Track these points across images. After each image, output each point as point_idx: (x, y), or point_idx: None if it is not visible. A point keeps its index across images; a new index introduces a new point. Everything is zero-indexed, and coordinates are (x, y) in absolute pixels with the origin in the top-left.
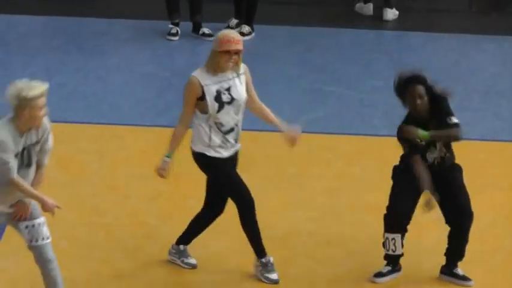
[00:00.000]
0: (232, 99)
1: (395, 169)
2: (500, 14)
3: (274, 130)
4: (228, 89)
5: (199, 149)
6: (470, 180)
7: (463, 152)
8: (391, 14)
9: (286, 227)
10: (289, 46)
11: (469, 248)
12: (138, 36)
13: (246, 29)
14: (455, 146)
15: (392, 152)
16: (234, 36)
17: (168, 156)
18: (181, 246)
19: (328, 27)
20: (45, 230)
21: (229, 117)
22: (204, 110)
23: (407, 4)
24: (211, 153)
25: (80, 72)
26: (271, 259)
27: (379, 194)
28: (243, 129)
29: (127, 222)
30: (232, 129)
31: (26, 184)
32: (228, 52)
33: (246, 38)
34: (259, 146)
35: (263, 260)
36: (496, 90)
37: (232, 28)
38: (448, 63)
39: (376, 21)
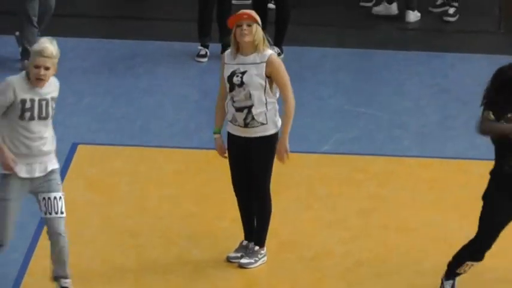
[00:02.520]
0: (242, 83)
1: (487, 190)
2: None
3: (306, 151)
4: (243, 73)
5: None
6: None
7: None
8: (413, 15)
9: (318, 248)
10: (320, 67)
11: None
12: (169, 57)
13: (275, 49)
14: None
15: (423, 172)
16: (244, 11)
17: (214, 133)
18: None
19: (359, 48)
20: (61, 205)
21: (240, 97)
22: None
23: (437, 25)
24: (228, 126)
25: (111, 94)
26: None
27: (411, 214)
28: None
29: (159, 243)
30: (242, 109)
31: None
32: (239, 26)
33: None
34: (291, 167)
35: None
36: None
37: None
38: (478, 84)
39: (406, 41)
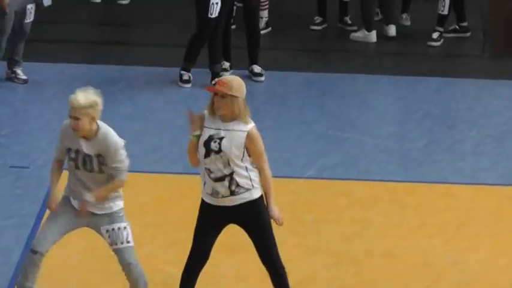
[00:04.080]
0: (220, 150)
1: None
2: None
3: (290, 176)
4: (221, 139)
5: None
6: (486, 225)
7: (477, 197)
8: (393, 28)
9: (303, 273)
10: (305, 91)
11: None
12: (152, 83)
13: (258, 69)
14: (467, 191)
15: (408, 197)
16: (222, 79)
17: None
18: None
19: (344, 72)
20: (125, 234)
21: (217, 166)
22: None
23: (422, 50)
24: (203, 196)
25: None
26: None
27: (395, 239)
28: None
29: (143, 270)
30: (222, 179)
31: (52, 174)
32: (215, 94)
33: (262, 78)
34: (276, 191)
35: None
36: (510, 135)
37: (227, 70)
38: (462, 108)
39: (391, 65)
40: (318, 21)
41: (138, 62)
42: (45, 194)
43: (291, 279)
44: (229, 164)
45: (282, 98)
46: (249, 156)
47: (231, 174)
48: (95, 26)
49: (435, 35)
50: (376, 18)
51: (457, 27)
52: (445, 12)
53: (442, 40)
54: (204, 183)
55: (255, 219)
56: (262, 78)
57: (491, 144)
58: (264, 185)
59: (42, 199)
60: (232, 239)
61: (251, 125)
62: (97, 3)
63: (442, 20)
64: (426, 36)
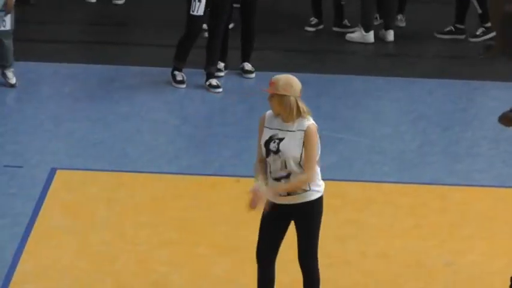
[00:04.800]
0: (278, 150)
1: None
2: (509, 60)
3: None
4: (281, 139)
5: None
6: (480, 227)
7: (472, 199)
8: (392, 34)
9: (296, 274)
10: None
11: None
12: (148, 83)
13: (249, 66)
14: (462, 192)
15: (402, 198)
16: (272, 78)
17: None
18: None
19: (339, 73)
20: None
21: (276, 166)
22: None
23: (417, 51)
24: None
25: (89, 119)
26: None
27: (389, 241)
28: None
29: (136, 269)
30: (279, 179)
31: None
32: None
33: (252, 75)
34: None
35: None
36: (505, 137)
37: (221, 71)
38: (457, 110)
39: (386, 66)
40: (313, 22)
41: (133, 62)
42: (39, 193)
43: (284, 280)
44: (286, 166)
45: None
46: None
47: (288, 175)
48: (90, 26)
49: (479, 31)
50: (375, 23)
51: (453, 28)
52: (479, 11)
53: (484, 36)
54: (267, 177)
55: (305, 220)
56: (253, 75)
57: (486, 146)
58: (295, 180)
59: (35, 198)
60: (224, 240)
61: (309, 122)
62: (92, 3)
63: (482, 17)
64: (421, 38)
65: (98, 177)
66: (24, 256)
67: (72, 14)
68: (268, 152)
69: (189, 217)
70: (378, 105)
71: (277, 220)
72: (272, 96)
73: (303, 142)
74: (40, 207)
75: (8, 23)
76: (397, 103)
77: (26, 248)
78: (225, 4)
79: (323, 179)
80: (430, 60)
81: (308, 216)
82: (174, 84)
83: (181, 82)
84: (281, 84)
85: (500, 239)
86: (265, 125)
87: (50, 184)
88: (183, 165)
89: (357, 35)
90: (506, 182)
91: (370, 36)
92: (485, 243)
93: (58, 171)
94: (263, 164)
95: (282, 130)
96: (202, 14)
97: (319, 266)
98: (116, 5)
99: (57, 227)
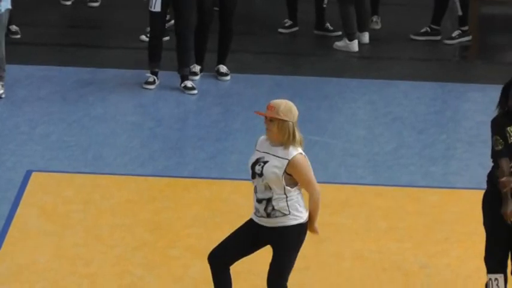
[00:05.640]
0: (261, 174)
1: (485, 196)
2: (485, 63)
3: None
4: (265, 163)
5: None
6: (455, 230)
7: (447, 201)
8: (367, 36)
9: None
10: (274, 94)
11: None
12: (122, 85)
13: (224, 68)
14: (437, 195)
15: (377, 201)
16: (271, 102)
17: None
18: None
19: (313, 76)
20: None
21: (260, 188)
22: None
23: (392, 53)
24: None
25: (64, 122)
26: None
27: (364, 243)
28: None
29: (111, 271)
30: (261, 201)
31: None
32: (266, 118)
33: (227, 77)
34: (243, 195)
35: None
36: (480, 140)
37: (197, 74)
38: (432, 112)
39: (361, 69)
40: (287, 24)
41: (108, 64)
42: (15, 195)
43: (259, 283)
44: (270, 188)
45: (251, 101)
46: (290, 185)
47: (270, 198)
48: (66, 28)
49: (455, 33)
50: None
51: (429, 29)
52: (460, 13)
53: (460, 39)
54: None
55: (280, 244)
56: (228, 78)
57: (461, 148)
58: (310, 206)
59: (11, 201)
60: (199, 242)
61: (296, 152)
62: (67, 5)
63: (461, 20)
64: (396, 40)
65: (73, 180)
66: None
67: (47, 16)
68: (254, 174)
69: (164, 219)
70: (353, 107)
71: (254, 237)
72: (271, 120)
73: (287, 171)
74: (16, 210)
75: None
76: (371, 105)
77: (1, 249)
78: (187, 5)
79: None
80: (405, 62)
81: (283, 243)
82: (144, 85)
83: (150, 83)
84: (282, 109)
85: (475, 242)
86: (257, 147)
87: (25, 186)
88: (158, 167)
89: (342, 43)
90: (481, 185)
91: (354, 45)
92: (460, 246)
93: (34, 174)
94: None
95: (268, 154)
96: (159, 10)
97: (294, 269)
98: (91, 7)
99: (33, 229)
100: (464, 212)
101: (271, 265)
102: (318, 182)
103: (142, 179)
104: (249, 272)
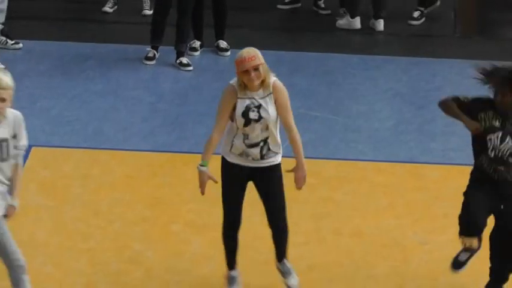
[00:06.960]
0: (260, 117)
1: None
2: (485, 39)
3: None
4: (258, 107)
5: (222, 152)
6: (454, 206)
7: (447, 177)
8: (382, 23)
9: (270, 252)
10: (275, 70)
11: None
12: (123, 60)
13: (224, 44)
14: (437, 171)
15: (377, 177)
16: (246, 54)
17: (202, 165)
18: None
19: (315, 51)
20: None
21: (255, 134)
22: (232, 120)
23: (392, 30)
24: (230, 158)
25: (64, 97)
26: (235, 273)
27: (364, 219)
28: None
29: (111, 246)
30: (256, 145)
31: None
32: (246, 71)
33: (227, 53)
34: None
35: (230, 273)
36: None
37: (197, 50)
38: (432, 88)
39: (362, 45)
40: (287, 0)
41: (108, 39)
42: None
43: (258, 257)
44: (266, 129)
45: None
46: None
47: (266, 139)
48: (65, 3)
49: (416, 14)
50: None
51: (420, 12)
52: None
53: (423, 19)
54: (232, 146)
55: (273, 182)
56: (228, 53)
57: (461, 125)
58: (294, 143)
59: None
60: (199, 218)
61: (273, 79)
62: None
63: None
64: (396, 16)
65: (73, 155)
66: None
67: None
68: (248, 121)
69: (164, 194)
70: (353, 83)
71: (240, 182)
72: (257, 68)
73: (274, 102)
74: None
75: None
76: (372, 81)
77: None
78: None
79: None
80: (405, 38)
81: (274, 178)
82: (143, 60)
83: (150, 59)
84: (259, 54)
85: None
86: (239, 96)
87: (25, 161)
88: (158, 142)
89: (344, 21)
90: None
91: (357, 22)
92: None
93: (33, 148)
94: (218, 140)
95: (254, 98)
96: None
97: (293, 244)
98: None
99: (32, 203)
100: (464, 188)
101: (269, 204)
102: (318, 158)
103: (142, 154)
104: (247, 247)
